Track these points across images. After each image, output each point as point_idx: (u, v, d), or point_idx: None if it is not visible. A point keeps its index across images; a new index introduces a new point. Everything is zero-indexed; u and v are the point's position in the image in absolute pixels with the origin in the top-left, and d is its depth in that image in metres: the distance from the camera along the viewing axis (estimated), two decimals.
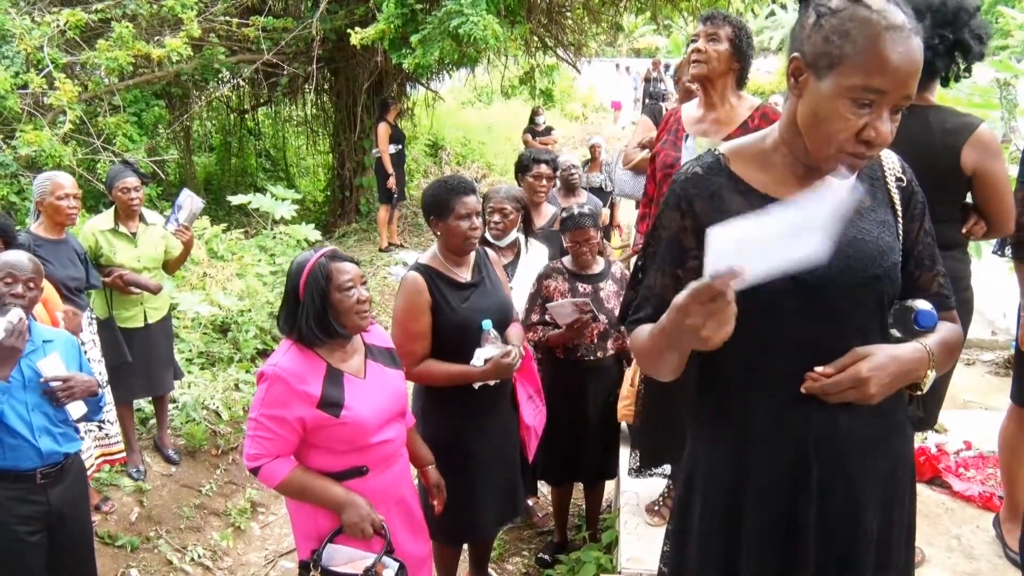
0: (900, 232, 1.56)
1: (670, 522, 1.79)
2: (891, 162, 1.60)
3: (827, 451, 1.50)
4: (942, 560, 2.99)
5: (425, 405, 3.05)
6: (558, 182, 5.22)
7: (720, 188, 1.53)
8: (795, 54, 1.42)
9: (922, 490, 3.33)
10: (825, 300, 1.45)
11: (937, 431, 3.80)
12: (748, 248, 1.22)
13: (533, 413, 3.25)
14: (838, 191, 1.35)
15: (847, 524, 1.53)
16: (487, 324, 2.89)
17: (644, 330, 1.54)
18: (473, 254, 3.07)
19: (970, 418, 4.21)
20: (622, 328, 1.70)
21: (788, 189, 1.50)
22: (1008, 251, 2.87)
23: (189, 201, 4.39)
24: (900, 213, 1.57)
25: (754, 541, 1.55)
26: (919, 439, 3.63)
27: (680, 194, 1.56)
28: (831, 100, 1.35)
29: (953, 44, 2.49)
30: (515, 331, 3.12)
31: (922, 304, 1.52)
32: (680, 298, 1.26)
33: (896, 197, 1.57)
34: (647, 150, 3.82)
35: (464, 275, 3.00)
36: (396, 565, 2.46)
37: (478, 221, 2.95)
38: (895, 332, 1.55)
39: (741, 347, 1.45)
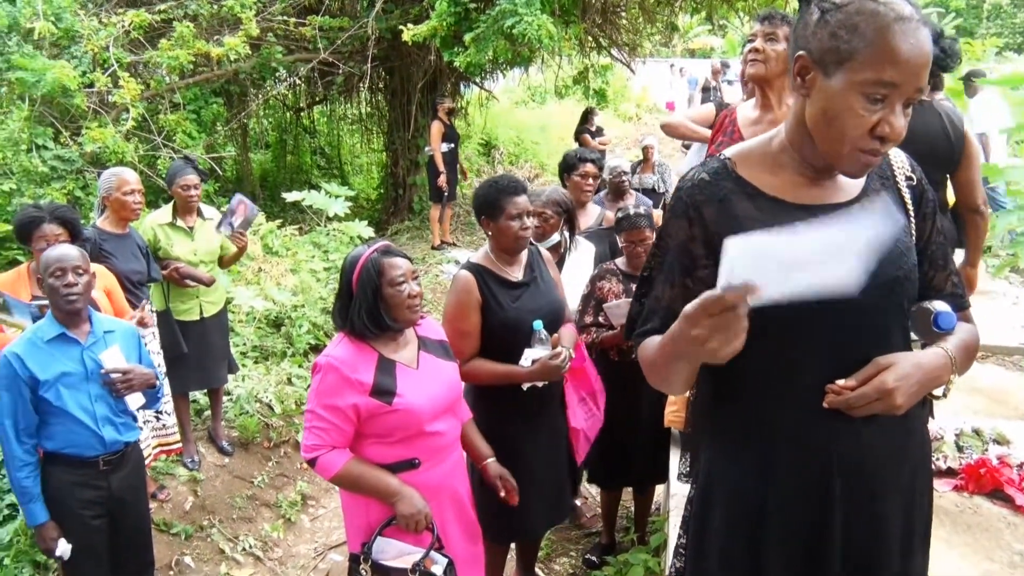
0: (912, 231, 1.52)
1: (681, 536, 1.73)
2: (900, 161, 1.56)
3: (850, 464, 1.46)
4: None
5: (475, 403, 3.05)
6: (606, 185, 5.19)
7: (728, 193, 1.48)
8: (800, 52, 1.38)
9: (982, 503, 3.24)
10: (847, 305, 1.37)
11: (999, 442, 3.69)
12: (769, 265, 1.17)
13: (584, 416, 3.23)
14: (876, 217, 1.30)
15: (872, 536, 1.50)
16: (538, 324, 2.88)
17: (652, 342, 1.50)
18: (525, 253, 3.06)
19: None
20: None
21: (798, 192, 1.46)
22: None
23: (244, 207, 4.44)
24: (912, 212, 1.53)
25: (777, 554, 1.51)
26: (979, 451, 3.53)
27: (687, 201, 1.51)
28: (842, 97, 1.32)
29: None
30: (567, 332, 3.10)
31: (941, 306, 1.48)
32: (690, 307, 1.22)
33: (907, 196, 1.53)
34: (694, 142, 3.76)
35: (516, 274, 3.00)
36: (445, 561, 2.47)
37: (529, 221, 2.95)
38: (914, 335, 1.51)
39: (762, 356, 1.43)
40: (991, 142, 7.79)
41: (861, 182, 1.50)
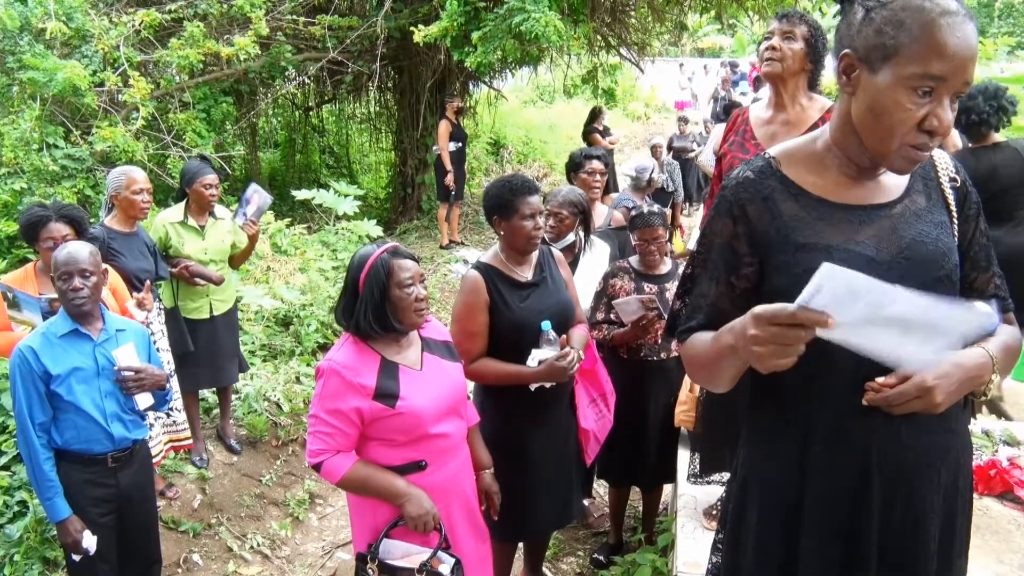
0: (955, 233, 1.52)
1: (719, 532, 1.74)
2: (944, 162, 1.56)
3: (889, 463, 1.46)
4: None
5: (484, 402, 3.06)
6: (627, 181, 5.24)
7: (772, 192, 1.49)
8: (846, 51, 1.39)
9: (992, 505, 3.22)
10: None
11: (1009, 444, 3.67)
12: (856, 308, 1.15)
13: (595, 417, 3.22)
14: (981, 315, 1.31)
15: (909, 536, 1.49)
16: (546, 325, 2.87)
17: (699, 339, 1.51)
18: (536, 253, 3.06)
19: None
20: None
21: (842, 192, 1.47)
22: None
23: (257, 197, 4.49)
24: (955, 214, 1.52)
25: (813, 552, 1.51)
26: (990, 452, 3.51)
27: (732, 200, 1.53)
28: (890, 92, 1.33)
29: (998, 108, 4.07)
30: (578, 333, 3.09)
31: (982, 307, 1.46)
32: (760, 309, 1.24)
33: (951, 198, 1.53)
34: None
35: (525, 274, 3.00)
36: (452, 561, 2.47)
37: (542, 221, 2.94)
38: None
39: (802, 355, 1.44)
40: None
41: (904, 183, 1.50)
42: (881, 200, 1.47)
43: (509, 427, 3.00)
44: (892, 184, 1.49)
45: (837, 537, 1.50)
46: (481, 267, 2.97)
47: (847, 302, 1.15)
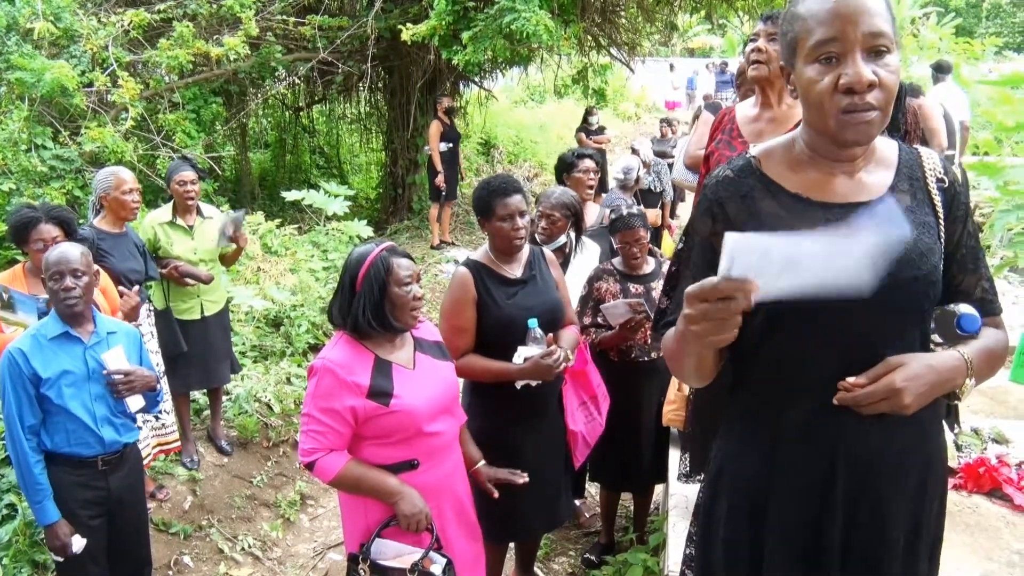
0: (941, 234, 1.51)
1: (693, 524, 1.76)
2: (932, 162, 1.55)
3: (856, 462, 1.46)
4: None
5: (472, 401, 3.07)
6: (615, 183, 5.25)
7: (751, 190, 1.51)
8: (782, 64, 1.50)
9: (981, 502, 3.24)
10: (861, 304, 1.37)
11: (997, 441, 3.69)
12: (769, 265, 1.19)
13: (584, 420, 3.22)
14: (887, 219, 1.35)
15: (874, 536, 1.49)
16: (533, 322, 2.88)
17: (670, 332, 1.53)
18: (526, 252, 3.08)
19: None
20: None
21: (821, 190, 1.48)
22: None
23: (230, 224, 4.45)
24: (942, 214, 1.52)
25: (778, 548, 1.52)
26: (978, 449, 3.53)
27: (712, 198, 1.55)
28: (804, 73, 1.40)
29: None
30: (568, 334, 3.11)
31: (965, 308, 1.47)
32: (688, 289, 1.26)
33: (937, 198, 1.52)
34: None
35: (514, 272, 3.01)
36: (444, 561, 2.47)
37: (521, 221, 2.94)
38: (936, 337, 1.50)
39: (775, 349, 1.46)
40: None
41: (887, 181, 1.50)
42: (860, 198, 1.47)
43: (495, 426, 3.00)
44: (874, 183, 1.49)
45: (801, 534, 1.50)
46: (470, 264, 2.99)
47: (763, 263, 1.18)
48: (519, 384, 2.91)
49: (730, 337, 1.25)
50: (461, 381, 2.87)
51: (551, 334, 2.99)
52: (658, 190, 7.29)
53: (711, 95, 16.60)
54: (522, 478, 2.82)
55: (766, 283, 1.19)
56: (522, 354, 2.86)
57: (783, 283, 1.19)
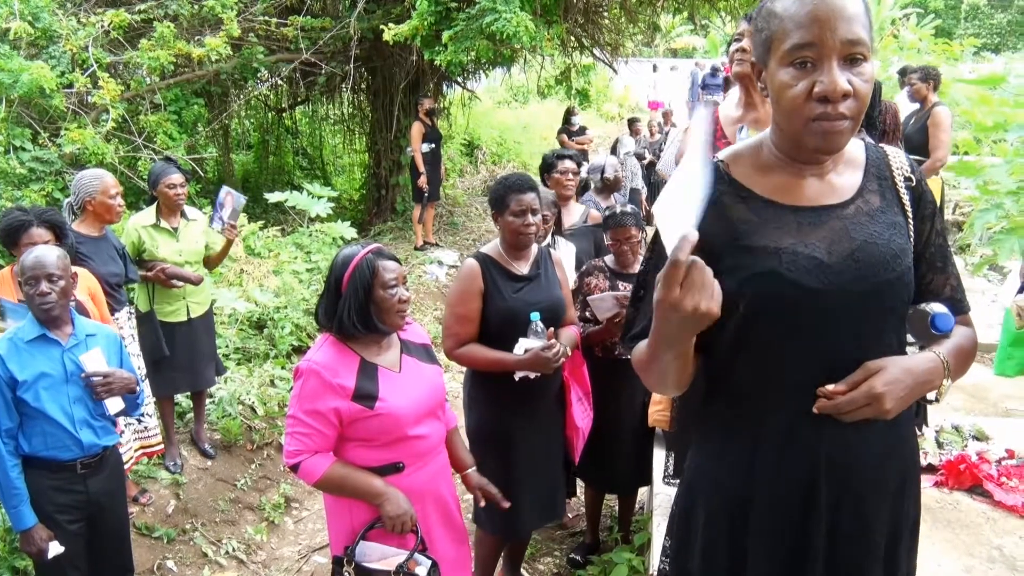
0: (911, 233, 1.51)
1: (668, 535, 1.73)
2: (899, 161, 1.55)
3: (838, 468, 1.46)
4: (983, 571, 2.92)
5: (472, 392, 3.15)
6: (592, 183, 5.25)
7: (721, 195, 1.48)
8: (752, 61, 1.46)
9: (962, 499, 3.27)
10: (837, 307, 1.40)
11: (978, 439, 3.73)
12: (675, 213, 1.25)
13: (582, 415, 3.27)
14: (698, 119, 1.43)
15: (856, 542, 1.49)
16: (535, 316, 2.96)
17: (643, 343, 1.49)
18: (535, 250, 3.17)
19: (1013, 426, 4.11)
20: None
21: (791, 194, 1.47)
22: None
23: (231, 198, 4.45)
24: (911, 214, 1.52)
25: (760, 555, 1.50)
26: (959, 447, 3.56)
27: None
28: (776, 76, 1.38)
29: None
30: (568, 333, 3.17)
31: (938, 308, 1.47)
32: (657, 291, 1.25)
33: (906, 197, 1.52)
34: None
35: (522, 268, 3.10)
36: (429, 563, 2.47)
37: (532, 218, 3.03)
38: (911, 337, 1.51)
39: (752, 355, 1.44)
40: None
41: (857, 183, 1.49)
42: (832, 201, 1.46)
43: (495, 418, 3.08)
44: (844, 184, 1.49)
45: (783, 541, 1.49)
46: (480, 256, 3.09)
47: (674, 217, 1.27)
48: (518, 375, 2.97)
49: (719, 299, 1.25)
50: (462, 373, 2.90)
51: (552, 328, 3.03)
52: (637, 186, 7.32)
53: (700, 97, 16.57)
54: (507, 503, 2.83)
55: (688, 226, 1.23)
56: (523, 345, 2.93)
57: (688, 220, 1.24)
